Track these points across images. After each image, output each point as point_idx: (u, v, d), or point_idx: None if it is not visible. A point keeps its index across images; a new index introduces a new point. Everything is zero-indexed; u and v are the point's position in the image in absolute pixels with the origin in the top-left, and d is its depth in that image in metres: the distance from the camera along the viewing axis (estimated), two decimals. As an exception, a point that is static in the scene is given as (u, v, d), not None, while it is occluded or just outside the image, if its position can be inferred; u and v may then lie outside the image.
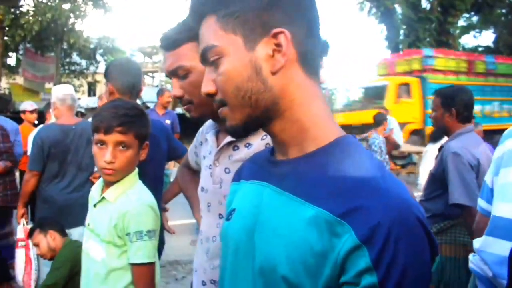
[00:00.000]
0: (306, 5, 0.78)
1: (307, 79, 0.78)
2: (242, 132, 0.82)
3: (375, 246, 0.63)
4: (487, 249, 1.49)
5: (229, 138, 1.27)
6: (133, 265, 1.52)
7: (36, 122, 5.73)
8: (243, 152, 1.24)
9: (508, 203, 1.46)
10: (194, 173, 1.67)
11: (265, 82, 0.76)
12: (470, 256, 1.62)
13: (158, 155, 2.41)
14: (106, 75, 2.29)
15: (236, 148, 1.27)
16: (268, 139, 1.18)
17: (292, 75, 0.77)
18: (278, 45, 0.75)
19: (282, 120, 0.78)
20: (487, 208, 1.61)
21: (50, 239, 2.42)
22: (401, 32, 20.57)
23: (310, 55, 0.78)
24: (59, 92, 3.33)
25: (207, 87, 0.81)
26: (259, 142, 1.22)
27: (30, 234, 2.53)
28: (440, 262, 2.44)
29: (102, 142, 1.54)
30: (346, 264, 0.65)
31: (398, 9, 20.59)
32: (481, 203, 1.67)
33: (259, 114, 0.78)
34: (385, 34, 21.22)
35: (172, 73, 1.29)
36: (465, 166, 2.38)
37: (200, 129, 1.54)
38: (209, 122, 1.46)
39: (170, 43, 1.28)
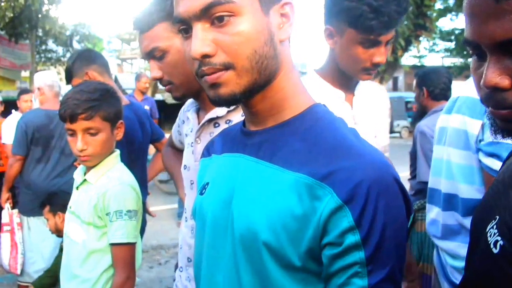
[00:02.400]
0: None
1: (290, 51, 0.80)
2: (237, 101, 0.76)
3: (357, 205, 0.65)
4: (428, 214, 1.72)
5: (210, 115, 1.28)
6: (112, 245, 1.52)
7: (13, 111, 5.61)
8: (217, 133, 1.27)
9: (432, 176, 1.68)
10: (178, 152, 1.68)
11: (275, 49, 0.75)
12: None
13: (145, 138, 2.46)
14: (76, 68, 2.31)
15: (217, 125, 1.28)
16: None
17: (287, 46, 0.79)
18: (284, 15, 0.76)
19: (268, 89, 0.77)
20: None
21: (58, 220, 2.41)
22: (379, 15, 20.58)
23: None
24: (47, 78, 3.31)
25: (204, 47, 0.71)
26: (239, 118, 1.22)
27: (41, 207, 2.50)
28: (420, 237, 2.53)
29: (72, 131, 1.55)
30: (328, 225, 0.66)
31: (376, -8, 20.57)
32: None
33: (262, 81, 0.75)
34: (364, 18, 21.21)
35: (149, 55, 1.29)
36: (430, 144, 2.44)
37: (182, 108, 1.55)
38: (190, 100, 1.47)
39: (143, 25, 1.27)
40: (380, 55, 1.39)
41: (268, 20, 0.74)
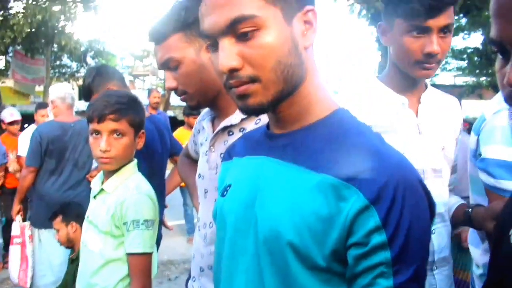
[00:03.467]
0: None
1: (314, 57, 0.81)
2: (265, 110, 0.78)
3: (383, 205, 0.66)
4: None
5: (224, 124, 1.28)
6: (129, 254, 1.52)
7: (26, 125, 5.65)
8: (238, 137, 1.26)
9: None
10: (193, 162, 1.68)
11: (300, 57, 0.76)
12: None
13: (164, 151, 2.46)
14: (97, 84, 2.33)
15: (231, 133, 1.28)
16: (262, 123, 1.18)
17: (312, 52, 0.80)
18: (307, 21, 0.77)
19: (295, 96, 0.78)
20: None
21: (70, 230, 2.41)
22: (391, 34, 20.72)
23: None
24: (60, 90, 3.36)
25: (231, 61, 0.73)
26: (253, 126, 1.23)
27: (52, 217, 2.50)
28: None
29: (97, 132, 1.55)
30: (354, 225, 0.67)
31: (388, 11, 20.72)
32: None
33: (289, 89, 0.76)
34: (376, 36, 21.37)
35: (164, 66, 1.30)
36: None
37: (198, 118, 1.56)
38: (206, 109, 1.47)
39: (158, 36, 1.29)
40: (431, 44, 1.25)
41: (291, 30, 0.75)
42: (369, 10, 21.35)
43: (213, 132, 1.33)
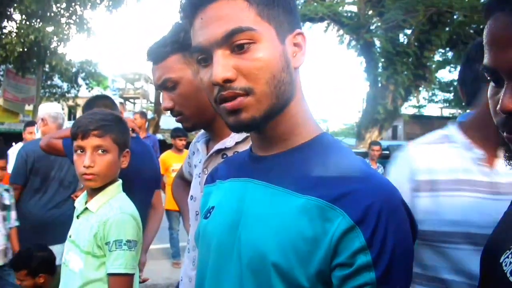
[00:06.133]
0: None
1: (301, 80, 0.84)
2: (257, 126, 0.78)
3: (368, 226, 0.66)
4: None
5: (218, 146, 1.29)
6: (110, 275, 1.49)
7: (14, 143, 5.62)
8: (221, 161, 1.27)
9: None
10: (187, 184, 1.68)
11: (291, 75, 0.78)
12: None
13: (152, 174, 2.44)
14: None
15: (225, 156, 1.29)
16: None
17: (299, 74, 0.83)
18: (296, 44, 0.80)
19: (283, 114, 0.79)
20: None
21: (38, 280, 2.33)
22: (380, 65, 21.11)
23: None
24: (51, 109, 3.34)
25: (226, 72, 0.73)
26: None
27: (14, 265, 2.39)
28: None
29: (81, 148, 1.56)
30: (339, 246, 0.67)
31: (377, 42, 21.17)
32: None
33: (280, 106, 0.77)
34: (364, 67, 21.74)
35: (161, 86, 1.31)
36: None
37: (193, 140, 1.57)
38: (201, 132, 1.48)
39: (157, 56, 1.31)
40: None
41: (284, 48, 0.78)
42: (358, 41, 21.73)
43: (207, 154, 1.34)
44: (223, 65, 0.74)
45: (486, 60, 0.66)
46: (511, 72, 0.62)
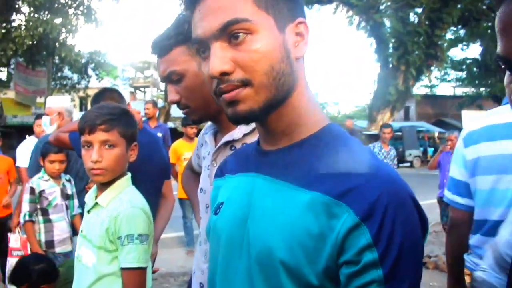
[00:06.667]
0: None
1: (305, 69, 0.82)
2: (257, 118, 0.77)
3: (375, 223, 0.65)
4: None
5: (226, 138, 1.28)
6: (123, 269, 1.50)
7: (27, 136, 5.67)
8: (230, 153, 1.26)
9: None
10: (197, 175, 1.67)
11: (292, 66, 0.76)
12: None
13: (161, 165, 2.44)
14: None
15: (233, 148, 1.27)
16: None
17: (303, 64, 0.80)
18: (298, 33, 0.78)
19: (284, 107, 0.78)
20: (468, 203, 1.68)
21: None
22: (390, 45, 20.84)
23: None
24: (68, 103, 3.39)
25: (223, 65, 0.73)
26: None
27: (14, 281, 2.35)
28: None
29: (89, 143, 1.56)
30: (345, 243, 0.66)
31: (387, 22, 20.88)
32: (458, 199, 1.72)
33: (280, 98, 0.76)
34: (375, 48, 21.48)
35: (166, 79, 1.30)
36: None
37: (201, 131, 1.55)
38: (209, 123, 1.47)
39: (161, 49, 1.29)
40: None
41: (284, 38, 0.75)
42: (368, 22, 21.44)
43: (215, 146, 1.32)
44: (220, 58, 0.73)
45: (499, 49, 0.64)
46: None
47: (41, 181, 3.05)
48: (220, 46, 0.73)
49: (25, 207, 2.99)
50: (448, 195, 1.77)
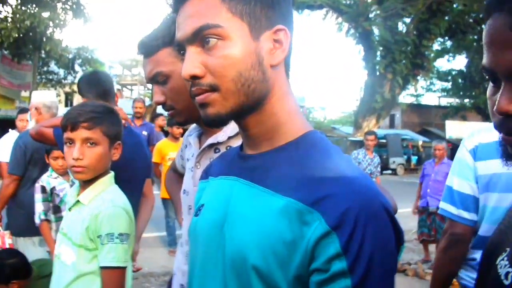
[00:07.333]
0: (291, 13, 0.82)
1: (286, 77, 0.82)
2: (224, 122, 0.78)
3: (344, 232, 0.65)
4: None
5: (210, 141, 1.28)
6: (102, 268, 1.49)
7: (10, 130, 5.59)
8: (217, 156, 1.26)
9: None
10: (180, 176, 1.67)
11: (264, 73, 0.77)
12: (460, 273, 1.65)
13: (144, 165, 2.42)
14: (79, 91, 2.32)
15: (217, 150, 1.27)
16: None
17: (281, 71, 0.80)
18: (277, 41, 0.78)
19: (260, 113, 0.79)
20: (473, 218, 1.60)
21: (12, 286, 2.29)
22: (378, 53, 21.05)
23: (290, 56, 0.81)
24: (46, 98, 3.28)
25: (193, 68, 0.75)
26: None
27: None
28: None
29: (71, 140, 1.55)
30: (316, 251, 0.66)
31: (375, 30, 21.09)
32: (465, 214, 1.62)
33: (250, 104, 0.77)
34: (363, 55, 21.67)
35: (152, 80, 1.30)
36: None
37: (186, 133, 1.55)
38: (194, 125, 1.47)
39: (148, 50, 1.29)
40: None
41: (257, 45, 0.76)
42: (357, 29, 21.64)
43: (200, 148, 1.32)
44: (191, 61, 0.75)
45: (484, 60, 0.65)
46: (508, 73, 0.61)
47: (50, 179, 3.00)
48: (194, 50, 0.76)
49: (39, 207, 2.95)
50: (451, 209, 1.64)
